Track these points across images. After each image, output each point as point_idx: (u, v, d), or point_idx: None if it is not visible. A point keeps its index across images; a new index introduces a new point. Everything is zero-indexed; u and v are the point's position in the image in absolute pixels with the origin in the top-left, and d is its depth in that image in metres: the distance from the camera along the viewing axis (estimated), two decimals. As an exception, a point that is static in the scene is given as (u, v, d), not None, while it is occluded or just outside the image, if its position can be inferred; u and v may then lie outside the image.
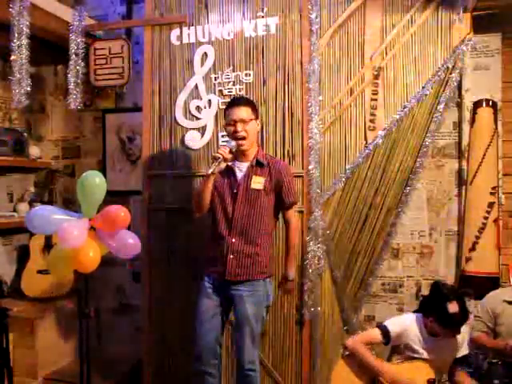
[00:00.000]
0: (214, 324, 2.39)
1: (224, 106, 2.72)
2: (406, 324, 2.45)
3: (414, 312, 2.54)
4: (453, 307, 2.26)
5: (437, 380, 2.31)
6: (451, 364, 2.49)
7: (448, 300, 2.28)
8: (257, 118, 2.43)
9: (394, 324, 2.46)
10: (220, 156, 2.28)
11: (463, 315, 2.30)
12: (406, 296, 3.11)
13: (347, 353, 2.44)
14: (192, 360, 2.44)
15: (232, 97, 2.72)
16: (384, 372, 2.35)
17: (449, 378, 2.54)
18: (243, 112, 2.35)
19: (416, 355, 2.41)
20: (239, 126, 2.33)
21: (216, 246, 2.40)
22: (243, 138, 2.34)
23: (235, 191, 2.38)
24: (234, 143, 2.34)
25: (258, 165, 2.40)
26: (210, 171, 2.30)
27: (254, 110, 2.42)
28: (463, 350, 2.46)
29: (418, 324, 2.43)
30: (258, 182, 2.36)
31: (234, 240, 2.35)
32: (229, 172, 2.41)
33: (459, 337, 2.42)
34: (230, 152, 2.32)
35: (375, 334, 2.44)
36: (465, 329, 2.46)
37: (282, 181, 2.40)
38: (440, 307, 2.29)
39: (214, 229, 2.43)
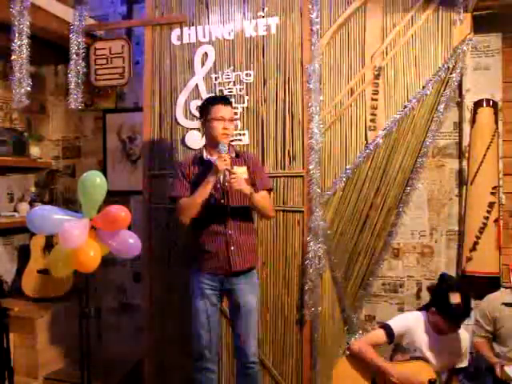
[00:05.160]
0: (213, 322, 2.42)
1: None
2: (409, 322, 2.45)
3: (419, 310, 2.54)
4: (454, 298, 2.27)
5: (438, 380, 2.31)
6: (450, 371, 2.49)
7: (451, 290, 2.29)
8: None
9: (398, 323, 2.46)
10: (228, 166, 2.29)
11: (465, 308, 2.30)
12: (407, 296, 3.11)
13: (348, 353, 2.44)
14: (193, 359, 2.45)
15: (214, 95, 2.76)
16: (393, 373, 2.34)
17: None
18: (231, 112, 2.43)
19: (418, 354, 2.40)
20: (228, 124, 2.38)
21: (212, 242, 2.39)
22: (228, 135, 2.40)
23: (219, 185, 2.38)
24: (225, 147, 2.33)
25: (235, 156, 2.46)
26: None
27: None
28: (463, 362, 2.46)
29: (421, 322, 2.43)
30: (242, 172, 2.37)
31: (230, 232, 2.38)
32: (209, 167, 2.35)
33: (461, 340, 2.42)
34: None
35: (380, 334, 2.43)
36: (466, 336, 2.46)
37: (258, 169, 2.48)
38: (442, 297, 2.31)
39: (205, 225, 2.40)
